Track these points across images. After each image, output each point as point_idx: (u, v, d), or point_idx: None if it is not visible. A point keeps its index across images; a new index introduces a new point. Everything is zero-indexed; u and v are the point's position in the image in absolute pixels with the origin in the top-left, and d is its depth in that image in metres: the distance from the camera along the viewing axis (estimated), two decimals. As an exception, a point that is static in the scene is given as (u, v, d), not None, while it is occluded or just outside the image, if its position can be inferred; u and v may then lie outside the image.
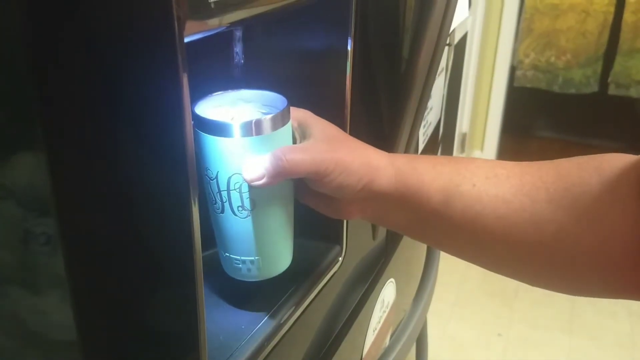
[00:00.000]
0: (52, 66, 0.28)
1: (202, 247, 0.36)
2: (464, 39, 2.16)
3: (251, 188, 0.45)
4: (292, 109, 0.47)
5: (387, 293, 0.82)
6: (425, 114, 0.85)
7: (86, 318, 0.34)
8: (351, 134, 0.53)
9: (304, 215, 0.51)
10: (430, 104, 0.89)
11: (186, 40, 0.31)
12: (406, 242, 0.90)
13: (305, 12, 0.51)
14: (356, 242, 0.66)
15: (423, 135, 0.90)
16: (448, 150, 2.34)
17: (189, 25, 0.31)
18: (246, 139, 0.43)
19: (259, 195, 0.45)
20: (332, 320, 0.64)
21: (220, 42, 0.52)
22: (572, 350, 1.95)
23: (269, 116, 0.44)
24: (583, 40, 3.04)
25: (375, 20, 0.61)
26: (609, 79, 3.09)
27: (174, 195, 0.34)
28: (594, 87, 3.14)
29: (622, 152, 0.44)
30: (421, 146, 0.90)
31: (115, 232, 0.35)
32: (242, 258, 0.48)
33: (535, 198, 0.44)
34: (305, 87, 0.55)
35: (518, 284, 2.14)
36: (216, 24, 0.34)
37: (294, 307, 0.52)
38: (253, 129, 0.43)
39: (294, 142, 0.48)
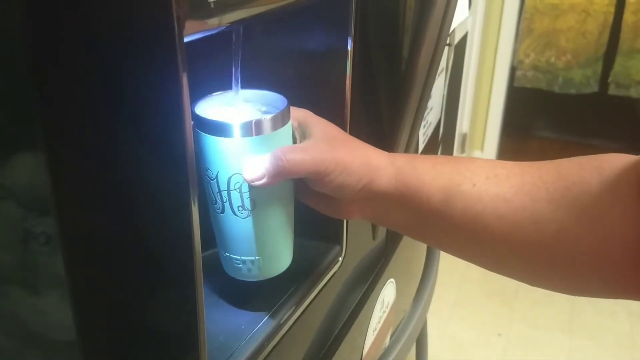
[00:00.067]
0: (52, 66, 0.28)
1: (202, 247, 0.36)
2: (464, 39, 2.16)
3: (251, 188, 0.45)
4: (292, 108, 0.47)
5: (387, 293, 0.82)
6: (425, 114, 0.85)
7: (86, 318, 0.34)
8: (351, 134, 0.53)
9: (304, 215, 0.51)
10: (430, 104, 0.89)
11: (186, 40, 0.31)
12: (406, 242, 0.90)
13: (305, 12, 0.51)
14: (356, 242, 0.66)
15: (423, 135, 0.90)
16: (448, 151, 2.34)
17: (189, 25, 0.31)
18: (246, 139, 0.43)
19: (259, 195, 0.45)
20: (332, 320, 0.64)
21: (220, 41, 0.52)
22: (572, 350, 1.95)
23: (269, 116, 0.44)
24: (583, 41, 3.05)
25: (375, 20, 0.61)
26: (609, 79, 3.09)
27: (174, 195, 0.34)
28: (594, 88, 3.14)
29: (622, 152, 0.44)
30: (421, 146, 0.90)
31: (115, 232, 0.35)
32: (242, 258, 0.48)
33: (536, 197, 0.44)
34: (305, 87, 0.55)
35: (518, 284, 2.14)
36: (216, 23, 0.34)
37: (293, 307, 0.52)
38: (253, 129, 0.43)
39: (294, 142, 0.48)
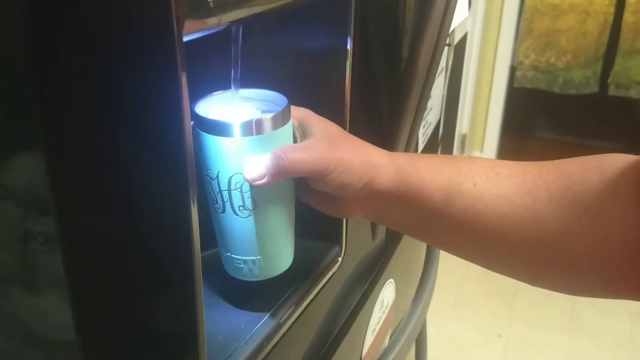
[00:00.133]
0: (52, 66, 0.28)
1: (201, 247, 0.36)
2: (463, 39, 2.16)
3: (252, 187, 0.45)
4: (292, 107, 0.47)
5: (387, 293, 0.82)
6: (425, 114, 0.85)
7: (85, 318, 0.34)
8: (350, 133, 0.53)
9: (304, 215, 0.51)
10: (430, 104, 0.89)
11: (185, 39, 0.31)
12: (406, 242, 0.90)
13: (304, 12, 0.51)
14: (356, 243, 0.66)
15: (423, 135, 0.90)
16: (448, 151, 2.34)
17: (188, 24, 0.31)
18: (247, 139, 0.43)
19: (260, 194, 0.45)
20: (331, 320, 0.64)
21: (219, 41, 0.52)
22: (572, 351, 1.95)
23: (270, 115, 0.44)
24: (583, 41, 3.04)
25: (375, 20, 0.61)
26: (609, 80, 3.09)
27: (173, 195, 0.34)
28: (594, 88, 3.14)
29: (622, 152, 0.44)
30: (421, 147, 0.90)
31: (114, 232, 0.35)
32: (243, 258, 0.48)
33: (537, 197, 0.44)
34: (305, 86, 0.55)
35: (518, 285, 2.14)
36: (215, 23, 0.34)
37: (293, 307, 0.52)
38: (254, 128, 0.43)
39: (295, 141, 0.48)
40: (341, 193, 0.47)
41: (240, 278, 0.50)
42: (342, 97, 0.54)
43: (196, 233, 0.35)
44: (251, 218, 0.46)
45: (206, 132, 0.43)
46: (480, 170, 0.47)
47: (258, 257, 0.48)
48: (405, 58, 0.68)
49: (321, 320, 0.61)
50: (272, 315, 0.50)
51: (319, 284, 0.57)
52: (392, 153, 0.50)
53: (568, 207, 0.42)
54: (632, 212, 0.40)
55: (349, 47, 0.53)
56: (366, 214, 0.51)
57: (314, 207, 0.51)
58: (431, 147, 0.99)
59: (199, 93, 0.47)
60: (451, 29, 0.80)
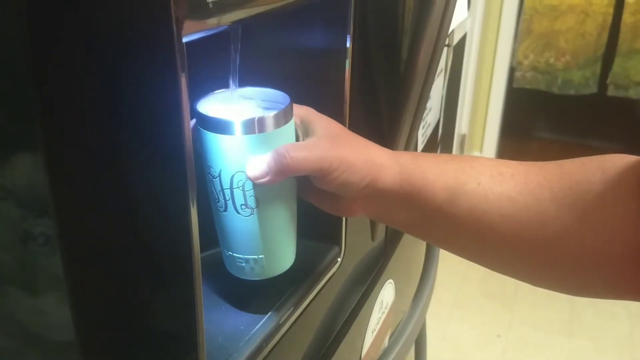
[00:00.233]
0: (52, 66, 0.28)
1: (201, 248, 0.36)
2: (463, 39, 2.16)
3: (254, 186, 0.44)
4: (294, 106, 0.47)
5: (386, 294, 0.82)
6: (424, 114, 0.85)
7: (85, 318, 0.34)
8: (352, 133, 0.53)
9: (304, 215, 0.51)
10: (429, 104, 0.89)
11: (185, 40, 0.31)
12: (405, 242, 0.90)
13: (304, 11, 0.51)
14: (355, 243, 0.66)
15: (422, 136, 0.90)
16: (447, 152, 2.33)
17: (187, 25, 0.31)
18: (249, 137, 0.43)
19: (262, 193, 0.45)
20: (330, 321, 0.64)
21: (220, 41, 0.52)
22: (572, 352, 1.95)
23: (272, 114, 0.44)
24: (582, 42, 3.04)
25: (375, 21, 0.61)
26: (608, 80, 3.09)
27: (173, 195, 0.34)
28: (593, 89, 3.14)
29: (621, 153, 0.44)
30: (420, 147, 0.90)
31: (114, 233, 0.35)
32: (245, 257, 0.48)
33: (540, 197, 0.44)
34: (305, 85, 0.55)
35: (518, 285, 2.14)
36: (214, 23, 0.34)
37: (292, 308, 0.52)
38: (256, 126, 0.43)
39: (297, 139, 0.48)
40: (344, 192, 0.47)
41: (242, 277, 0.49)
42: (341, 97, 0.54)
43: (196, 233, 0.35)
44: (253, 217, 0.46)
45: (208, 130, 0.43)
46: (484, 170, 0.47)
47: (260, 256, 0.47)
48: (404, 58, 0.68)
49: (321, 321, 0.61)
50: (272, 316, 0.50)
51: (318, 284, 0.57)
52: (395, 152, 0.50)
53: (571, 207, 0.43)
54: (632, 212, 0.40)
55: (348, 46, 0.53)
56: (369, 213, 0.51)
57: (316, 205, 0.51)
58: (430, 147, 0.99)
59: (199, 93, 0.46)
60: (450, 30, 0.80)
